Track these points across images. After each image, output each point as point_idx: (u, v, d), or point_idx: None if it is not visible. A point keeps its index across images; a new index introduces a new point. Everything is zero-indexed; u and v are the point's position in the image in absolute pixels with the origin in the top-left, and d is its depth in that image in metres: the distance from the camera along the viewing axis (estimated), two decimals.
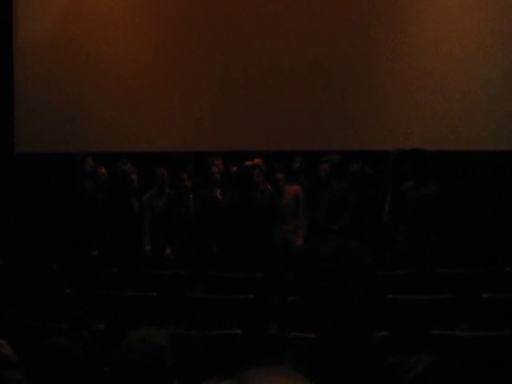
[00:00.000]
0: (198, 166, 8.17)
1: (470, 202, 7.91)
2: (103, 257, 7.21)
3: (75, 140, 9.72)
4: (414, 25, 9.34)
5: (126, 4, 9.97)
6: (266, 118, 9.59)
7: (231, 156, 8.36)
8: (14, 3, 10.12)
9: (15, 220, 8.77)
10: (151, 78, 9.82)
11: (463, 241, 6.86)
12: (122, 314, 4.76)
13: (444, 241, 6.23)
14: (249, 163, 7.56)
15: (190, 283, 5.70)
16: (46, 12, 10.06)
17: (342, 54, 9.42)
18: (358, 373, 1.58)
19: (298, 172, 7.99)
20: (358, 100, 9.37)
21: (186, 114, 9.77)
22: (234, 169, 7.78)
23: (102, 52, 9.90)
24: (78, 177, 7.78)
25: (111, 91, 9.92)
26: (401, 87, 9.33)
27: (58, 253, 7.29)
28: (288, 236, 7.23)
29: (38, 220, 8.34)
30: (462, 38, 9.17)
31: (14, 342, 3.53)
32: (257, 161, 8.07)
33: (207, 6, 9.79)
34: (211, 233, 7.15)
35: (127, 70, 9.86)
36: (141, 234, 7.43)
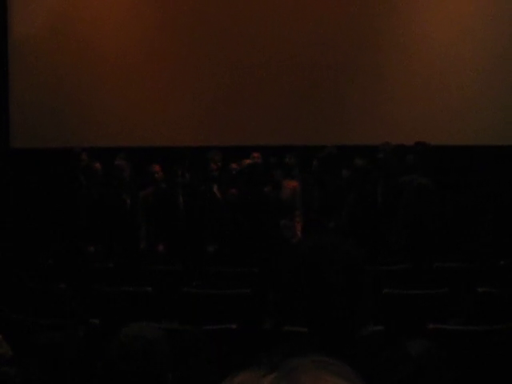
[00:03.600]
0: (195, 161, 8.15)
1: (466, 197, 7.91)
2: (99, 252, 7.20)
3: (71, 135, 9.71)
4: (412, 18, 9.33)
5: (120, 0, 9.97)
6: (263, 113, 9.58)
7: (228, 151, 8.36)
8: None
9: (10, 215, 8.75)
10: (148, 73, 9.80)
11: (458, 235, 6.86)
12: (117, 310, 4.75)
13: (439, 235, 6.24)
14: (248, 161, 7.57)
15: (185, 278, 5.69)
16: (41, 6, 10.02)
17: (339, 49, 9.42)
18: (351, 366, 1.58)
19: (292, 167, 7.97)
20: (355, 95, 9.37)
21: (182, 109, 9.76)
22: (234, 165, 7.77)
23: (97, 47, 9.88)
24: (73, 172, 7.77)
25: (107, 86, 9.90)
26: (397, 81, 9.33)
27: (54, 248, 7.28)
28: (285, 231, 7.23)
29: (34, 215, 8.32)
30: (460, 32, 9.16)
31: (9, 338, 3.52)
32: (255, 155, 8.06)
33: (204, 2, 9.77)
34: (208, 228, 7.15)
35: (123, 64, 9.84)
36: (135, 229, 7.43)
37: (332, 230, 6.92)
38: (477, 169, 8.45)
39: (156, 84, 9.77)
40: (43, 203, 8.01)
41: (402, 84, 9.30)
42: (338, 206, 7.14)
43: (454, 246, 6.37)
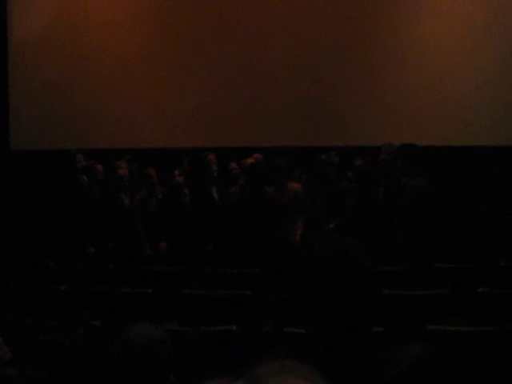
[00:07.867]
0: (193, 162, 8.15)
1: (466, 197, 7.91)
2: (99, 253, 7.20)
3: (71, 137, 9.71)
4: (413, 18, 9.32)
5: (119, 1, 9.95)
6: (263, 114, 9.58)
7: (227, 152, 8.35)
8: (8, 0, 10.09)
9: (11, 217, 8.75)
10: (145, 74, 9.80)
11: (459, 235, 6.86)
12: (118, 311, 4.75)
13: (440, 235, 6.24)
14: (250, 160, 7.56)
15: (186, 279, 5.69)
16: (41, 9, 10.03)
17: (339, 49, 9.41)
18: (352, 368, 1.58)
19: (291, 168, 7.95)
20: (356, 96, 9.36)
21: (181, 110, 9.76)
22: (235, 165, 7.77)
23: (96, 49, 9.88)
24: (72, 173, 7.79)
25: (106, 88, 9.91)
26: (398, 82, 9.32)
27: (55, 250, 7.28)
28: (286, 233, 7.23)
29: (34, 217, 8.32)
30: (461, 31, 9.15)
31: (10, 339, 3.52)
32: (257, 156, 8.05)
33: (202, 3, 9.77)
34: (207, 229, 7.15)
35: (121, 66, 9.85)
36: (134, 232, 7.44)
37: (333, 230, 6.91)
38: (477, 169, 8.44)
39: (154, 86, 9.77)
40: (43, 205, 8.02)
41: (404, 85, 9.29)
42: (340, 206, 7.14)
43: (454, 246, 6.37)
